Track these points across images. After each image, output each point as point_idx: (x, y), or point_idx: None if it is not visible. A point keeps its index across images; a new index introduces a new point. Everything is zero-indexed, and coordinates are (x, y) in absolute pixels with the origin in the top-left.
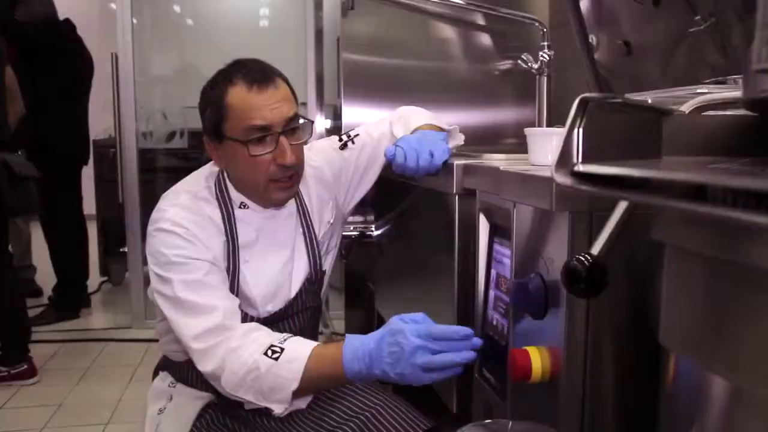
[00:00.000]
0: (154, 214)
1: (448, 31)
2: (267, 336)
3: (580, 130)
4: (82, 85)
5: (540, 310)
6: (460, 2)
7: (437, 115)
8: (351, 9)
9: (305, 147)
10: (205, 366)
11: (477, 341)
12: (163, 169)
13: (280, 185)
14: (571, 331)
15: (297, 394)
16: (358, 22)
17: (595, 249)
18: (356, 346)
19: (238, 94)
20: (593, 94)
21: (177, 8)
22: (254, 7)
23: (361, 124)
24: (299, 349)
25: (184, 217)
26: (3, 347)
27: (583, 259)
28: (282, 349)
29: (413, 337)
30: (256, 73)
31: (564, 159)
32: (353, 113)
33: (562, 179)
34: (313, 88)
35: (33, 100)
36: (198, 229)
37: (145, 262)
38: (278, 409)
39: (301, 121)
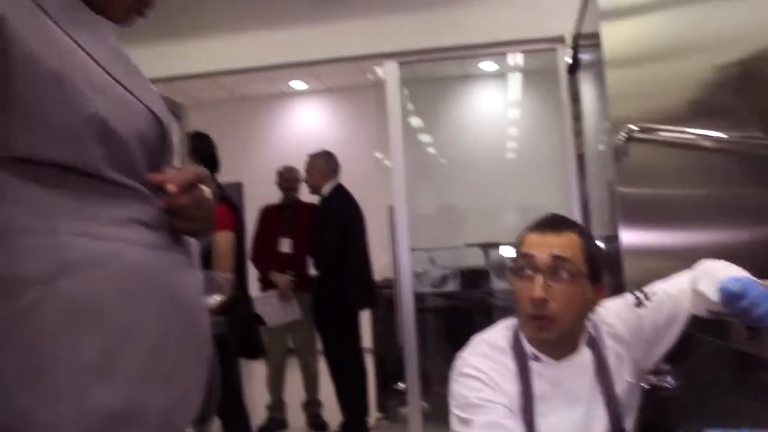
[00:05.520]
0: (457, 362)
1: (728, 158)
2: None
3: None
4: (355, 237)
5: None
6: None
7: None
8: (625, 156)
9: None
10: None
11: None
12: (436, 310)
13: (531, 323)
14: None
15: None
16: (631, 154)
17: None
18: None
19: (525, 235)
20: None
21: (432, 150)
22: (501, 140)
23: (642, 256)
24: None
25: (484, 363)
26: None
27: None
28: None
29: None
30: (549, 220)
31: None
32: (633, 250)
33: None
34: (578, 216)
35: (318, 253)
36: (496, 375)
37: (422, 400)
38: None
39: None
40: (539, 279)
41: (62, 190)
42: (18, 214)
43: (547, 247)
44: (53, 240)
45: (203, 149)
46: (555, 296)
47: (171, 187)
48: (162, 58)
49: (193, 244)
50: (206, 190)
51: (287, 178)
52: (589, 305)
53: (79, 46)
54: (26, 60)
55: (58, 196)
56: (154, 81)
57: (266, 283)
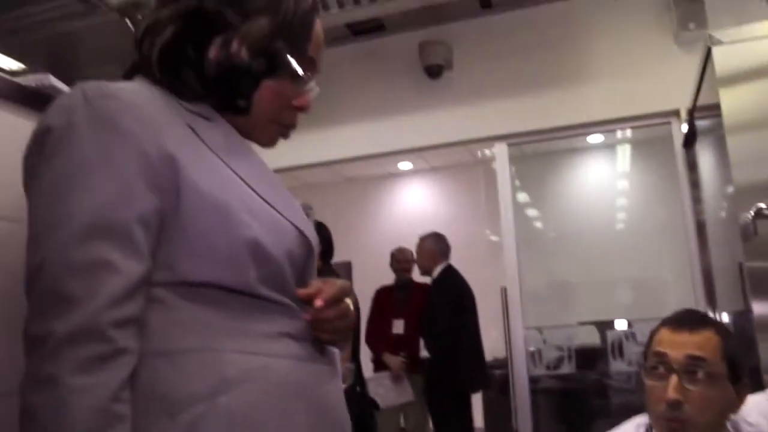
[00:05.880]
0: None
1: None
2: None
3: None
4: (466, 318)
5: None
6: None
7: None
8: (754, 235)
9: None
10: None
11: None
12: (550, 391)
13: (664, 425)
14: None
15: None
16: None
17: None
18: None
19: (658, 331)
20: None
21: (539, 224)
22: (611, 211)
23: None
24: None
25: None
26: None
27: None
28: None
29: None
30: (684, 317)
31: None
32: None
33: None
34: (700, 288)
35: (429, 335)
36: None
37: None
38: None
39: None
40: (674, 380)
41: (220, 309)
42: (183, 335)
43: (682, 345)
44: (214, 358)
45: (324, 238)
46: (691, 399)
47: (318, 303)
48: (279, 150)
49: (336, 353)
50: (349, 303)
51: (399, 260)
52: (730, 408)
53: (236, 174)
54: (194, 193)
55: (217, 315)
56: (274, 172)
57: (378, 364)
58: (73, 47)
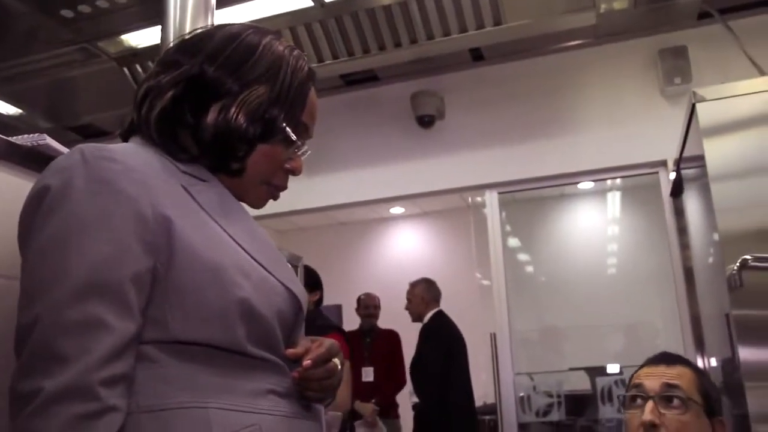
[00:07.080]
0: None
1: None
2: None
3: None
4: (456, 363)
5: None
6: None
7: None
8: (741, 286)
9: None
10: None
11: None
12: None
13: None
14: None
15: None
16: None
17: None
18: None
19: (637, 371)
20: None
21: (530, 268)
22: (601, 257)
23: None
24: None
25: None
26: None
27: None
28: None
29: None
30: (661, 355)
31: None
32: (755, 375)
33: None
34: (689, 334)
35: (420, 381)
36: None
37: None
38: None
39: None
40: (650, 404)
41: (208, 367)
42: (171, 392)
43: (658, 376)
44: (201, 415)
45: (314, 284)
46: (666, 422)
47: (307, 363)
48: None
49: (321, 409)
50: (337, 362)
51: (367, 305)
52: None
53: (228, 234)
54: (187, 253)
55: (205, 372)
56: (267, 217)
57: (350, 413)
58: (71, 94)
